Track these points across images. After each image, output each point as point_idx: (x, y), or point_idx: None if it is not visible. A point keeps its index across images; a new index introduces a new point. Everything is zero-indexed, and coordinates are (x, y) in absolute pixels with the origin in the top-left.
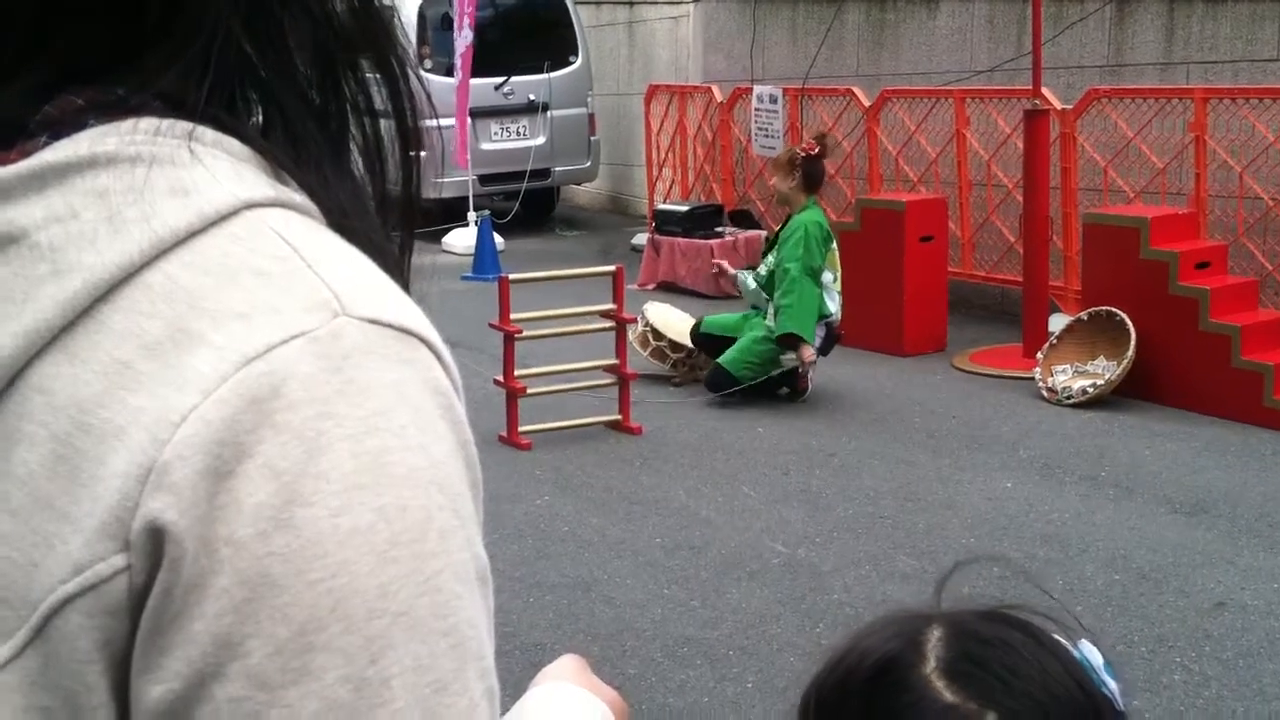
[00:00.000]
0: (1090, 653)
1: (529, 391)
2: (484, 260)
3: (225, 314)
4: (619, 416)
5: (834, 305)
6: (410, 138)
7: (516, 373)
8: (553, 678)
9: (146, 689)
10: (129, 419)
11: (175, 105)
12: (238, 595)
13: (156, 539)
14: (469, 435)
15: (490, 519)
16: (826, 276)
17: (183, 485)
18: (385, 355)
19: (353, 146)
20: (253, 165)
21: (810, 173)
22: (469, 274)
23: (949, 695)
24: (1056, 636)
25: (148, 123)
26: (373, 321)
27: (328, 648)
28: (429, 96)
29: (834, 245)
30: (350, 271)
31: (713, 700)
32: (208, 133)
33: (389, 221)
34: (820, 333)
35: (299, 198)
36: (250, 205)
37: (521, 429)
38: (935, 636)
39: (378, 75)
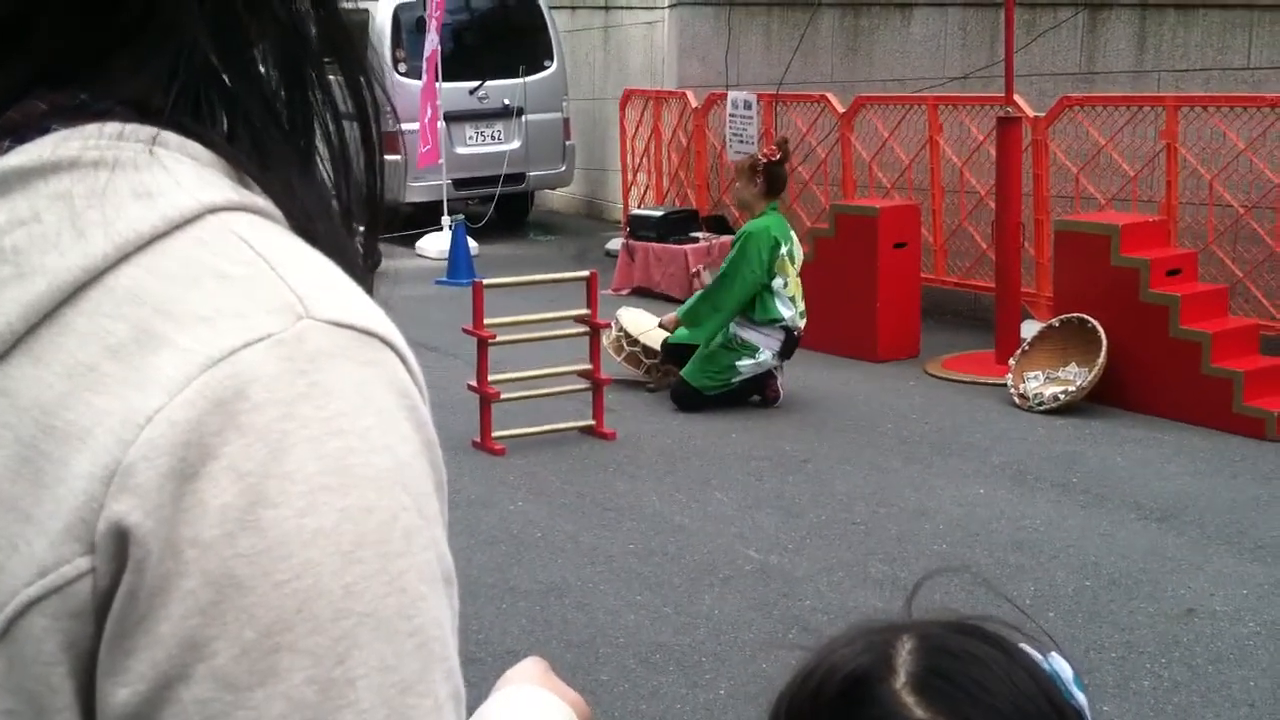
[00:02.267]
0: (1060, 665)
1: (503, 397)
2: (458, 265)
3: (189, 317)
4: (593, 422)
5: (788, 311)
6: (375, 143)
7: (490, 378)
8: (516, 680)
9: (112, 691)
10: (93, 421)
11: (140, 110)
12: (204, 597)
13: (121, 541)
14: (434, 436)
15: (463, 524)
16: (777, 283)
17: (148, 487)
18: (349, 357)
19: (318, 152)
20: (216, 170)
21: (772, 178)
22: (443, 279)
23: (919, 711)
24: (1026, 648)
25: (111, 127)
26: (336, 324)
27: (294, 648)
28: (392, 104)
29: (785, 252)
30: (314, 274)
31: (685, 707)
32: (171, 137)
33: (354, 226)
34: (779, 336)
35: (262, 202)
36: (214, 209)
37: (495, 434)
38: (905, 650)
39: (343, 81)
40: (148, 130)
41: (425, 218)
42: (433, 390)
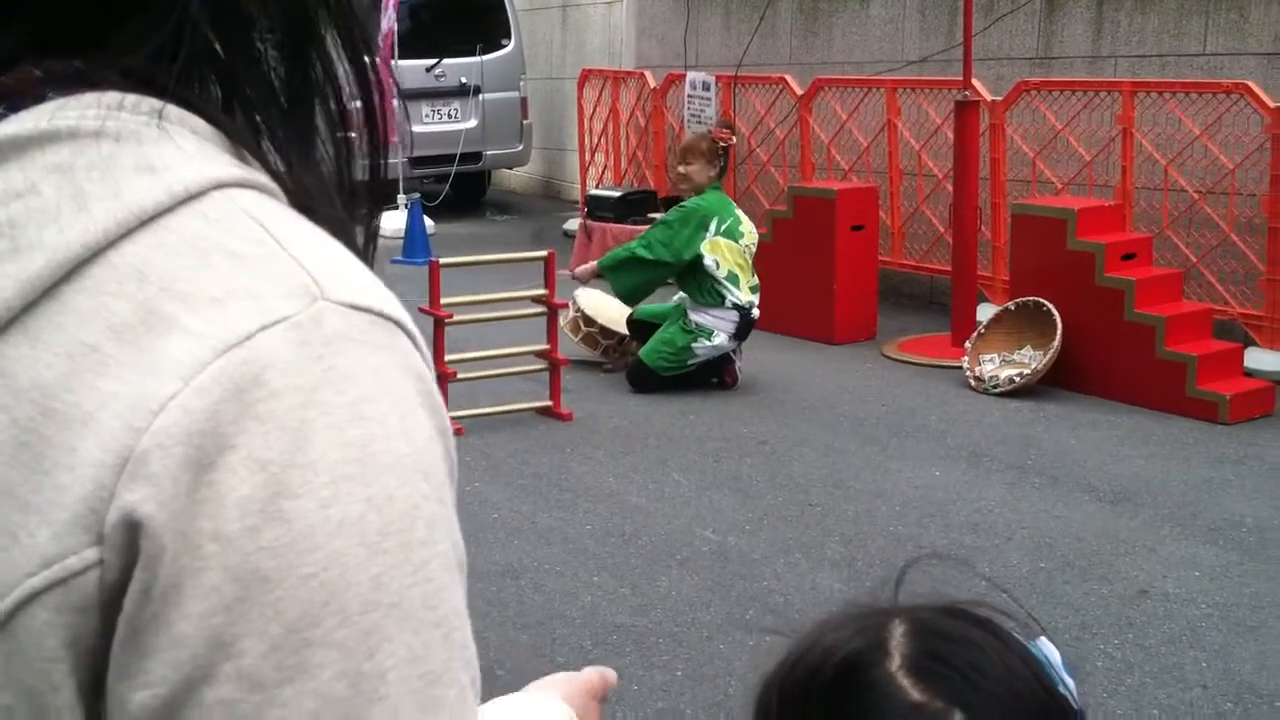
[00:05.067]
0: (1049, 650)
1: (459, 376)
2: (414, 244)
3: (199, 298)
4: (550, 402)
5: (733, 291)
6: (377, 120)
7: (447, 358)
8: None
9: (128, 695)
10: (97, 404)
11: (139, 81)
12: (228, 593)
13: (132, 533)
14: (447, 422)
15: None
16: (708, 262)
17: (162, 476)
18: (366, 341)
19: (320, 131)
20: (217, 145)
21: (726, 161)
22: (399, 257)
23: (915, 693)
24: (1014, 633)
25: (110, 97)
26: (352, 306)
27: (323, 643)
28: (395, 79)
29: (719, 231)
30: (325, 255)
31: (642, 688)
32: (172, 109)
33: (356, 206)
34: (733, 318)
35: (265, 179)
36: (220, 185)
37: (451, 414)
38: (898, 633)
39: (347, 59)
40: (149, 101)
41: None
42: None
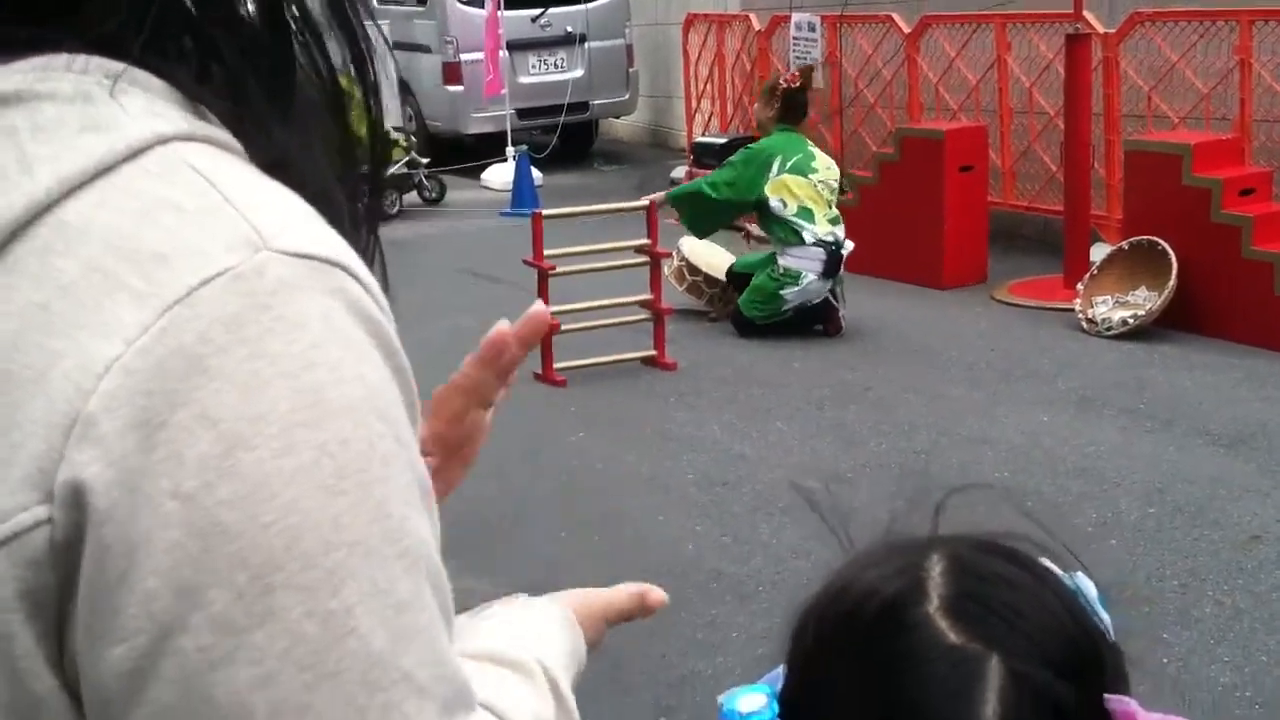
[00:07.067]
0: (1085, 584)
1: (564, 328)
2: (522, 195)
3: (143, 254)
4: (654, 352)
5: (808, 228)
6: (370, 88)
7: (551, 309)
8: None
9: (104, 652)
10: (46, 363)
11: (98, 44)
12: (192, 547)
13: (80, 493)
14: (404, 361)
15: (524, 456)
16: (774, 203)
17: (110, 437)
18: (311, 288)
19: (318, 96)
20: (169, 101)
21: (790, 103)
22: (507, 209)
23: (953, 636)
24: (1049, 565)
25: (58, 59)
26: (296, 254)
27: (288, 586)
28: (388, 43)
29: (785, 169)
30: (269, 204)
31: (741, 635)
32: (117, 66)
33: (352, 170)
34: (819, 256)
35: (220, 134)
36: (164, 139)
37: (557, 366)
38: (936, 571)
39: (336, 24)
40: (95, 61)
41: (490, 149)
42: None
